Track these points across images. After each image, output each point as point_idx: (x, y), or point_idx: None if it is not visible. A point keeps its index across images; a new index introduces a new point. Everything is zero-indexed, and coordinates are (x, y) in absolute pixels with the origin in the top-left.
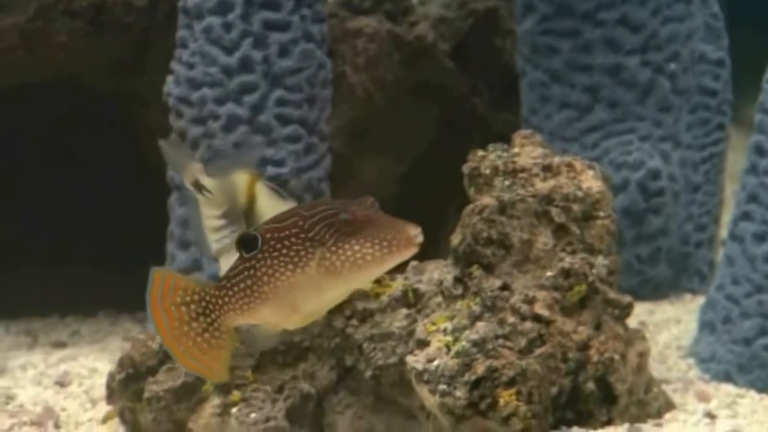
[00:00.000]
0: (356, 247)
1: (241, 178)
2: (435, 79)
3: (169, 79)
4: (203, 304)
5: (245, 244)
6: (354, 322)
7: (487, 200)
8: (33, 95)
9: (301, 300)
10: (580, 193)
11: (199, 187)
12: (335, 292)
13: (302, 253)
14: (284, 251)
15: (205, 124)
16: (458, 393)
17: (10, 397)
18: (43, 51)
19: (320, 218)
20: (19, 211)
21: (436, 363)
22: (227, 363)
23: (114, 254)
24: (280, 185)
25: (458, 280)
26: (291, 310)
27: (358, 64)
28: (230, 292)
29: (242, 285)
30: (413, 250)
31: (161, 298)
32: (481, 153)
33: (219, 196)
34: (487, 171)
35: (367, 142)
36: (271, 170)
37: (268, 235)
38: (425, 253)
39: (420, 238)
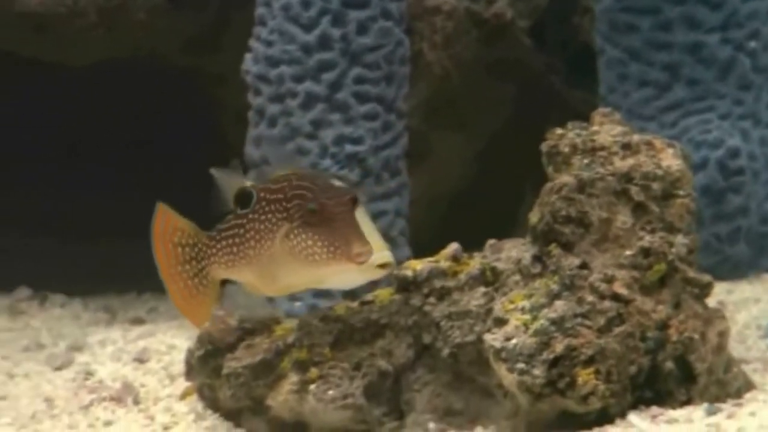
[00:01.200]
0: (309, 242)
1: None
2: (512, 56)
3: (248, 56)
4: (196, 249)
5: (241, 199)
6: (432, 299)
7: (566, 178)
8: (111, 72)
9: (275, 270)
10: (659, 172)
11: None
12: (295, 275)
13: (274, 221)
14: (269, 215)
15: (283, 102)
16: (536, 371)
17: (89, 373)
18: (122, 28)
19: (300, 194)
20: (97, 188)
21: (514, 341)
22: (209, 312)
23: None
24: (358, 163)
25: (537, 259)
26: (271, 277)
27: (436, 42)
28: (219, 245)
29: (230, 241)
30: (352, 267)
31: (162, 233)
32: (559, 131)
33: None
34: (566, 149)
35: (444, 119)
36: (348, 148)
37: (262, 194)
38: (503, 232)
39: (363, 258)
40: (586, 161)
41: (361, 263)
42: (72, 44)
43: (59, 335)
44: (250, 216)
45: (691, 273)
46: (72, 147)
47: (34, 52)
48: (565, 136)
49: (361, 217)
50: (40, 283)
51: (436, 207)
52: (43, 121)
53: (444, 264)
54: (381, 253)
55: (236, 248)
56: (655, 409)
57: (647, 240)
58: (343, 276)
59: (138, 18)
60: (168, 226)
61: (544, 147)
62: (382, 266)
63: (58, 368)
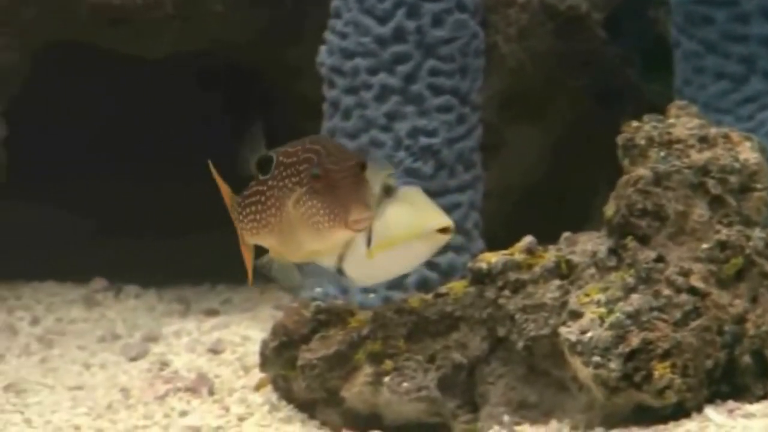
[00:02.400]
0: (313, 209)
1: (374, 179)
2: (587, 49)
3: (322, 49)
4: (235, 212)
5: (261, 165)
6: (506, 292)
7: (642, 171)
8: (187, 65)
9: (294, 236)
10: (737, 165)
11: None
12: (312, 242)
13: (290, 185)
14: (285, 180)
15: (358, 94)
16: (612, 365)
17: (164, 364)
18: (198, 20)
19: (308, 158)
20: (171, 180)
21: (589, 334)
22: (250, 271)
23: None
24: (433, 155)
25: (612, 252)
26: (293, 244)
27: (510, 35)
28: (244, 211)
29: (252, 208)
30: (348, 233)
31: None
32: (635, 124)
33: None
34: (642, 142)
35: (518, 112)
36: (423, 140)
37: (280, 158)
38: (576, 225)
39: (360, 225)
40: (662, 154)
41: (358, 230)
42: (147, 36)
43: (134, 326)
44: (270, 182)
45: None
46: (145, 140)
47: (109, 44)
48: (642, 128)
49: (415, 190)
50: (115, 275)
51: (509, 200)
52: (118, 113)
53: (519, 257)
54: (440, 218)
55: (258, 215)
56: (731, 404)
57: (724, 233)
58: (410, 249)
59: (215, 10)
60: (223, 186)
61: (620, 140)
62: (443, 231)
63: (134, 359)
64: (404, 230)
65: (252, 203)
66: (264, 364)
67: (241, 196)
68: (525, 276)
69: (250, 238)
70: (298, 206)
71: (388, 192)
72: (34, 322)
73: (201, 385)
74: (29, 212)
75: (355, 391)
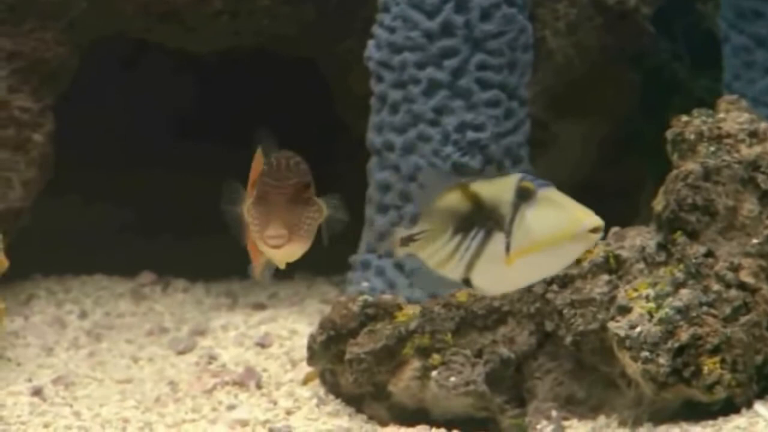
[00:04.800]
0: (250, 219)
1: (506, 183)
2: (635, 44)
3: (371, 43)
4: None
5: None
6: (554, 287)
7: (692, 166)
8: (237, 60)
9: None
10: None
11: (408, 239)
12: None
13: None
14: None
15: (406, 88)
16: (661, 360)
17: (212, 357)
18: (247, 15)
19: (264, 170)
20: (220, 173)
21: (638, 329)
22: (260, 268)
23: None
24: (480, 149)
25: (661, 247)
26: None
27: (559, 29)
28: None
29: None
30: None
31: None
32: (685, 118)
33: (437, 224)
34: (692, 136)
35: (566, 107)
36: (470, 135)
37: (264, 167)
38: (624, 220)
39: (273, 243)
40: (712, 149)
41: (274, 247)
42: (196, 31)
43: (182, 320)
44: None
45: None
46: (194, 134)
47: (158, 40)
48: (691, 123)
49: (553, 190)
50: (163, 269)
51: None
52: (167, 108)
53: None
54: (591, 217)
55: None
56: None
57: None
58: (559, 251)
59: (262, 4)
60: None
61: (670, 134)
62: (594, 231)
63: (182, 352)
64: (552, 232)
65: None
66: (311, 358)
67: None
68: (573, 271)
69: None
70: (248, 214)
71: (525, 195)
72: (83, 315)
73: (249, 379)
74: (78, 207)
75: (403, 385)
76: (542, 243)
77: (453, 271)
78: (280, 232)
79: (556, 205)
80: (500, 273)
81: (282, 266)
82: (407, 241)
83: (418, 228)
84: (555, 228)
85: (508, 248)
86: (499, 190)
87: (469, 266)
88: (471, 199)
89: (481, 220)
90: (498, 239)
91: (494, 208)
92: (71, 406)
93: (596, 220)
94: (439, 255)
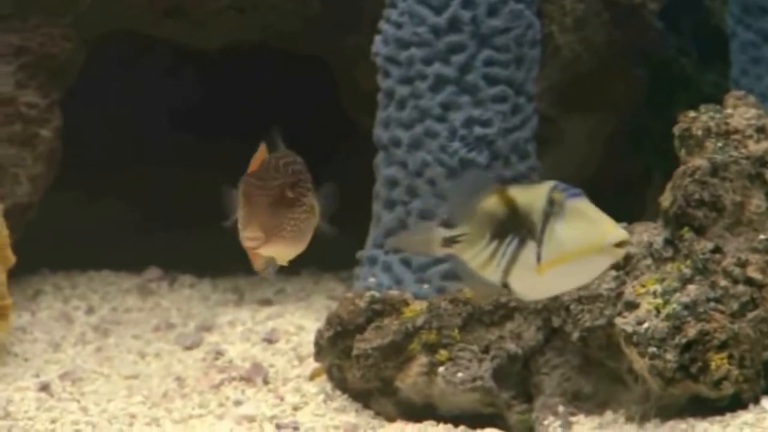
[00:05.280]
0: (239, 216)
1: (539, 191)
2: (643, 39)
3: (378, 38)
4: None
5: None
6: None
7: (699, 162)
8: (242, 56)
9: None
10: None
11: (451, 240)
12: None
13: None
14: None
15: (413, 84)
16: (668, 356)
17: (219, 353)
18: (252, 11)
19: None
20: (226, 169)
21: (645, 325)
22: (261, 265)
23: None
24: (487, 145)
25: (669, 242)
26: None
27: (566, 25)
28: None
29: None
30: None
31: None
32: (692, 114)
33: (476, 227)
34: (699, 132)
35: (574, 103)
36: (477, 130)
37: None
38: (631, 215)
39: (251, 244)
40: (719, 144)
41: (251, 248)
42: (202, 27)
43: (189, 315)
44: None
45: None
46: (200, 129)
47: (164, 35)
48: (698, 119)
49: (582, 201)
50: (170, 264)
51: None
52: (172, 103)
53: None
54: (617, 231)
55: None
56: None
57: None
58: (586, 264)
59: (269, 1)
60: None
61: (677, 130)
62: (619, 245)
63: (188, 348)
64: (579, 245)
65: None
66: (319, 353)
67: None
68: None
69: None
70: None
71: (554, 205)
72: (90, 311)
73: (256, 375)
74: (84, 202)
75: (410, 381)
76: (570, 255)
77: (492, 275)
78: (256, 234)
79: (584, 216)
80: (533, 280)
81: (284, 263)
82: (449, 242)
83: (459, 230)
84: (582, 240)
85: (538, 257)
86: (532, 197)
87: (506, 271)
88: (507, 205)
89: (515, 227)
90: (530, 248)
91: (527, 216)
92: (78, 401)
93: (622, 234)
94: (479, 258)
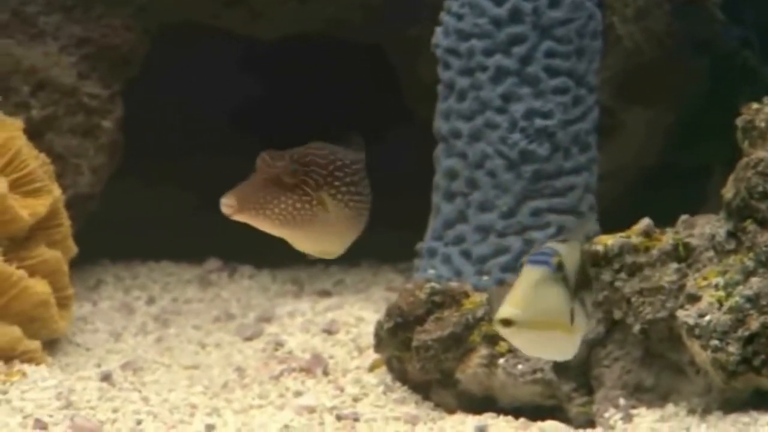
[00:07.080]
0: None
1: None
2: (705, 31)
3: (438, 30)
4: None
5: None
6: (623, 275)
7: (763, 154)
8: (302, 45)
9: None
10: None
11: None
12: None
13: None
14: None
15: (473, 76)
16: (731, 349)
17: (279, 344)
18: (314, 1)
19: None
20: None
21: (708, 318)
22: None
23: (376, 206)
24: (548, 137)
25: (731, 235)
26: None
27: (627, 15)
28: None
29: None
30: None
31: None
32: (755, 106)
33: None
34: (763, 124)
35: (635, 94)
36: (538, 122)
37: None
38: (691, 207)
39: (224, 209)
40: None
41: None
42: (263, 17)
43: (248, 306)
44: None
45: None
46: (261, 119)
47: (225, 25)
48: (762, 110)
49: (526, 272)
50: (230, 255)
51: (624, 182)
52: (233, 93)
53: (635, 239)
54: (503, 308)
55: None
56: None
57: None
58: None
59: None
60: None
61: (740, 122)
62: (505, 322)
63: (248, 339)
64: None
65: None
66: (378, 344)
67: None
68: (642, 259)
69: None
70: None
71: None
72: (150, 301)
73: (315, 366)
74: (145, 193)
75: (470, 372)
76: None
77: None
78: (229, 201)
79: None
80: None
81: (302, 250)
82: None
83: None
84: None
85: None
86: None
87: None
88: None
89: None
90: None
91: None
92: (140, 391)
93: (505, 311)
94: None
